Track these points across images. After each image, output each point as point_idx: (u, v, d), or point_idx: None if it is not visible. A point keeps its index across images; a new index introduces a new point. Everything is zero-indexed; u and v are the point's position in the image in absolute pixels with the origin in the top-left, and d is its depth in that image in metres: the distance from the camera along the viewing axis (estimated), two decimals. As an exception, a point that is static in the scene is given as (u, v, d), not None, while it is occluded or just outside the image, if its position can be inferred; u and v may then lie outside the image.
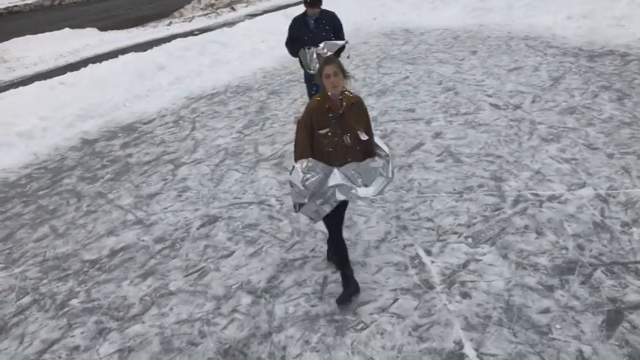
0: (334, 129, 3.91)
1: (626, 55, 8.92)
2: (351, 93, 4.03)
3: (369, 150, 4.04)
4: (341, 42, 6.06)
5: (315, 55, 5.98)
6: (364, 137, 3.94)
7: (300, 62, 6.27)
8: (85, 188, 6.49)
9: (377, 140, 4.12)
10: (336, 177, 3.84)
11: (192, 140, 7.56)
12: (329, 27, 6.16)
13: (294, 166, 3.88)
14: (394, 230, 4.95)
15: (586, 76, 8.17)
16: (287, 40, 6.36)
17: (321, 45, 5.90)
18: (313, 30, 6.13)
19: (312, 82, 6.27)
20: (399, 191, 5.59)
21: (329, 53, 5.79)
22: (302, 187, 3.80)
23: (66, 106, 9.01)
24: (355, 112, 3.96)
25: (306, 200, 3.88)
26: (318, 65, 5.96)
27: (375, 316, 3.95)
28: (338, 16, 6.29)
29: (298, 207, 3.97)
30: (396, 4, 14.28)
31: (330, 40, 6.05)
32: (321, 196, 3.86)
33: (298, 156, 3.92)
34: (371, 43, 11.56)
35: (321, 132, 3.90)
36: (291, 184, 3.92)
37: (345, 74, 3.91)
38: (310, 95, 6.61)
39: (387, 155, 4.04)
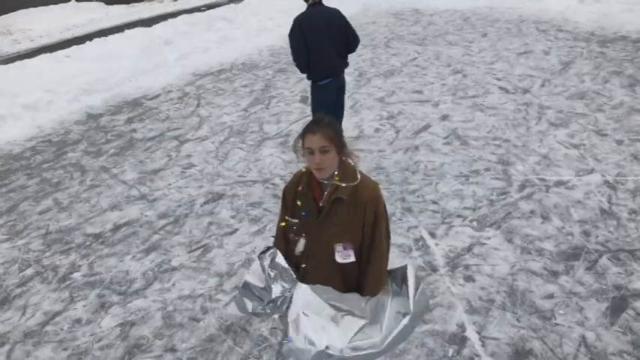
0: (306, 228, 2.56)
1: (638, 40, 8.80)
2: (345, 181, 2.46)
3: (365, 280, 2.57)
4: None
5: None
6: (344, 258, 2.49)
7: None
8: (89, 162, 6.47)
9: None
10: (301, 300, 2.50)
11: (197, 117, 7.51)
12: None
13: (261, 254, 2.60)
14: (399, 212, 4.92)
15: (597, 62, 8.06)
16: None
17: None
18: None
19: (321, 93, 5.50)
20: (404, 173, 5.55)
21: None
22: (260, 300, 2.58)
23: (71, 80, 8.94)
24: (346, 213, 2.47)
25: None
26: None
27: (378, 297, 3.93)
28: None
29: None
30: (405, -16, 14.09)
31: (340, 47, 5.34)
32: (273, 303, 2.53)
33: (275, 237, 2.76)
34: (379, 23, 11.42)
35: (289, 220, 2.62)
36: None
37: (340, 148, 2.43)
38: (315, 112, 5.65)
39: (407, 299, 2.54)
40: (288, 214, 2.61)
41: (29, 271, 4.60)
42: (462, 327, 3.63)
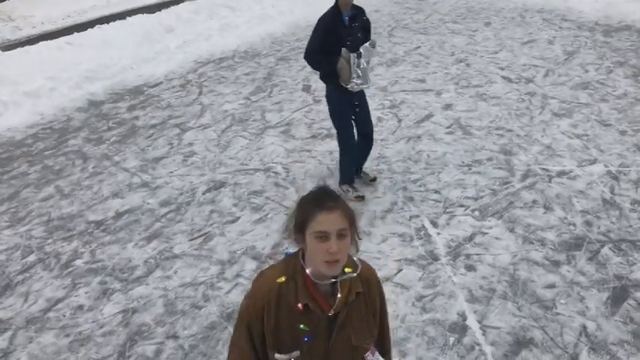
0: (311, 353, 1.84)
1: (643, 30, 8.74)
2: (355, 270, 1.85)
3: None
4: (370, 44, 4.69)
5: (362, 65, 4.62)
6: None
7: (325, 75, 4.82)
8: (91, 150, 6.46)
9: None
10: None
11: (199, 105, 7.49)
12: (362, 26, 4.71)
13: None
14: (400, 201, 4.92)
15: (601, 51, 8.01)
16: (314, 48, 4.61)
17: (361, 50, 4.58)
18: (350, 31, 4.60)
19: (354, 103, 4.88)
20: (406, 162, 5.54)
21: (364, 64, 4.63)
22: None
23: (73, 67, 8.90)
24: (360, 311, 1.88)
25: None
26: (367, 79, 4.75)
27: (379, 286, 3.94)
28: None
29: None
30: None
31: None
32: None
33: None
34: (382, 12, 11.34)
35: (279, 357, 1.84)
36: None
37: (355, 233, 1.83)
38: (341, 126, 4.94)
39: None
40: (275, 350, 1.84)
41: (31, 258, 4.61)
42: (462, 316, 3.64)
